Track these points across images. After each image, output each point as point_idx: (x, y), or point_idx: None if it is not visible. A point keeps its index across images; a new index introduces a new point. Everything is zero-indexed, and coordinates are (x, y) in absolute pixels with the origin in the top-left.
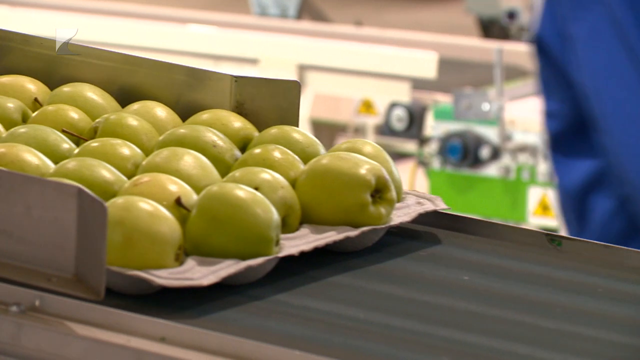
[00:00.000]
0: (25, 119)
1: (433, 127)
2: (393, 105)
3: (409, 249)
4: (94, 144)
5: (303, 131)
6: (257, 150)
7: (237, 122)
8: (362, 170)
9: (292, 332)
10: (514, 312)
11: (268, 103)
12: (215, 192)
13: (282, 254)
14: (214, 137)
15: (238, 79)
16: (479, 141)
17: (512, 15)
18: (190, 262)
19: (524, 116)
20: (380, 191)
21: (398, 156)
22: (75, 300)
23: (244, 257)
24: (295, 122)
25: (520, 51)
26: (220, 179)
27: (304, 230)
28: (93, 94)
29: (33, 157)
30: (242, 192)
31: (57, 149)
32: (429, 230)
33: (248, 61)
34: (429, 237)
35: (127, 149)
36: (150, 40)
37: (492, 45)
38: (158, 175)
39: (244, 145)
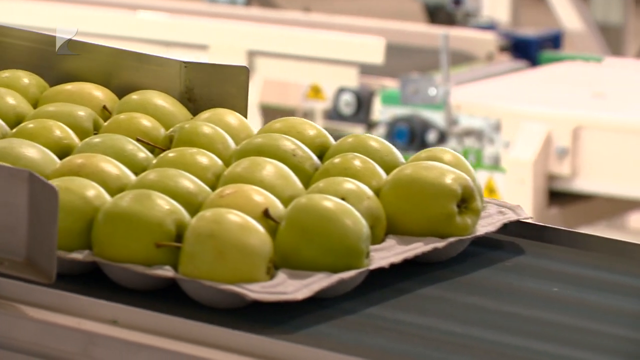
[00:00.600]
0: (96, 127)
1: (380, 111)
2: (341, 90)
3: (493, 259)
4: (172, 153)
5: (379, 139)
6: (337, 160)
7: (312, 130)
8: (448, 180)
9: (389, 347)
10: (614, 326)
11: (217, 88)
12: (305, 203)
13: (372, 267)
14: (293, 145)
15: (187, 65)
16: (426, 125)
17: (457, 1)
18: (281, 276)
19: (470, 101)
20: (466, 201)
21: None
22: (27, 284)
23: (334, 270)
24: (244, 107)
25: (465, 37)
26: (303, 189)
27: (390, 242)
28: (163, 101)
29: (113, 168)
30: (332, 203)
31: (134, 159)
32: (510, 239)
33: (198, 47)
34: (511, 247)
35: (205, 159)
36: (101, 27)
37: (438, 31)
38: (242, 186)
39: (319, 153)
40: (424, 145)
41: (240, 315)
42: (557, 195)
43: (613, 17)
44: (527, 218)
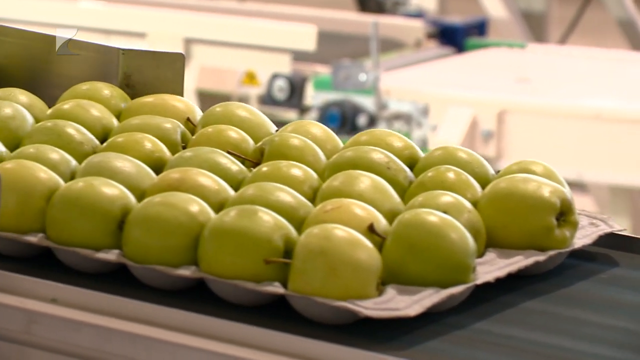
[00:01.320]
0: (183, 140)
1: (313, 96)
2: (275, 76)
3: (589, 272)
4: (265, 167)
5: (467, 150)
6: (432, 173)
7: (399, 142)
8: (547, 193)
9: None
10: None
11: (154, 74)
12: (411, 219)
13: (479, 282)
14: (386, 158)
15: (125, 52)
16: (357, 110)
17: None
18: (390, 291)
19: (399, 86)
20: (564, 214)
21: (280, 125)
22: None
23: (442, 285)
24: (180, 93)
25: (394, 24)
26: (401, 202)
27: (491, 255)
28: (246, 113)
29: (212, 182)
30: (437, 218)
31: (228, 172)
32: (603, 251)
33: (137, 35)
34: (604, 259)
35: (300, 172)
36: (41, 16)
37: (369, 19)
38: (344, 200)
39: (408, 165)
40: (355, 129)
41: (349, 331)
42: None
43: (536, 5)
44: (621, 230)
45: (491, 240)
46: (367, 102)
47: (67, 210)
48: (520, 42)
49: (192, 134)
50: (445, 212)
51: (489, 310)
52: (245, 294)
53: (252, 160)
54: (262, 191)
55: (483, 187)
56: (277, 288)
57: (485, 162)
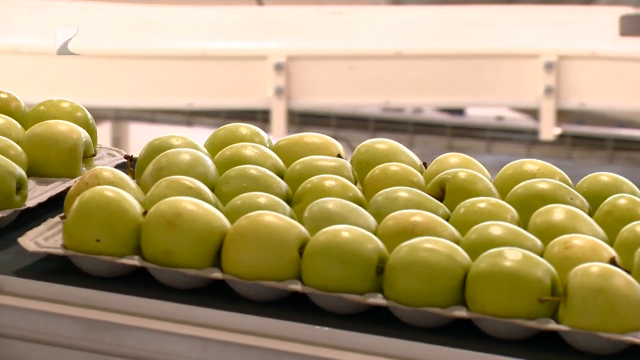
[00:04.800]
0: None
1: None
2: None
3: None
4: (481, 204)
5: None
6: (623, 201)
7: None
8: None
9: None
10: None
11: None
12: None
13: None
14: (570, 193)
15: None
16: None
17: None
18: None
19: None
20: None
21: None
22: None
23: None
24: None
25: None
26: (604, 234)
27: None
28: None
29: (443, 227)
30: None
31: (435, 212)
32: None
33: None
34: None
35: (507, 213)
36: None
37: None
38: (582, 237)
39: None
40: None
41: None
42: None
43: None
44: None
45: None
46: None
47: (327, 260)
48: None
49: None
50: None
51: None
52: (521, 330)
53: (434, 195)
54: (509, 233)
55: None
56: (561, 327)
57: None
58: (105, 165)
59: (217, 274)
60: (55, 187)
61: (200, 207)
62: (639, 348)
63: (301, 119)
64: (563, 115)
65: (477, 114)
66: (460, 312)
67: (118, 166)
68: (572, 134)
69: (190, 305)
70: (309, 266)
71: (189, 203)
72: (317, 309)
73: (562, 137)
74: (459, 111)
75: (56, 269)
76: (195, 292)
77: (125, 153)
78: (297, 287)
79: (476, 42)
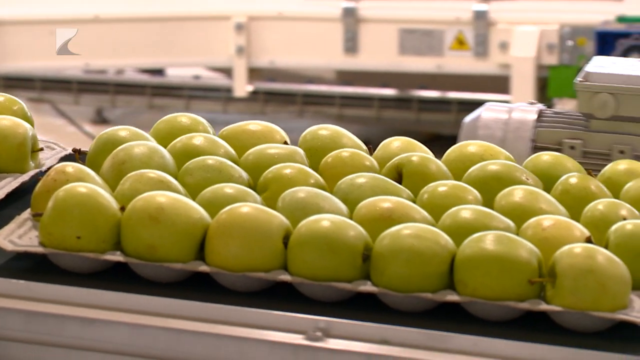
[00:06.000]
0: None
1: None
2: None
3: None
4: (442, 187)
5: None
6: (574, 180)
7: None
8: None
9: None
10: None
11: None
12: (630, 229)
13: None
14: (525, 173)
15: None
16: None
17: None
18: (637, 301)
19: None
20: None
21: None
22: None
23: None
24: None
25: None
26: (566, 212)
27: None
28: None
29: (416, 212)
30: None
31: (400, 195)
32: None
33: None
34: None
35: (471, 196)
36: None
37: None
38: (552, 217)
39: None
40: None
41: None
42: None
43: None
44: None
45: None
46: None
47: (315, 249)
48: None
49: None
50: (625, 218)
51: None
52: (510, 312)
53: (393, 179)
54: (479, 215)
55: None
56: (553, 307)
57: None
58: (48, 159)
59: (204, 267)
60: (9, 183)
61: (179, 200)
62: (627, 325)
63: None
64: (255, 73)
65: (177, 73)
66: (452, 297)
67: (63, 159)
68: (264, 91)
69: (172, 298)
70: (296, 256)
71: (167, 197)
72: (301, 297)
73: (255, 94)
74: (159, 71)
75: (31, 267)
76: (177, 285)
77: (62, 145)
78: (286, 277)
79: (172, 5)
